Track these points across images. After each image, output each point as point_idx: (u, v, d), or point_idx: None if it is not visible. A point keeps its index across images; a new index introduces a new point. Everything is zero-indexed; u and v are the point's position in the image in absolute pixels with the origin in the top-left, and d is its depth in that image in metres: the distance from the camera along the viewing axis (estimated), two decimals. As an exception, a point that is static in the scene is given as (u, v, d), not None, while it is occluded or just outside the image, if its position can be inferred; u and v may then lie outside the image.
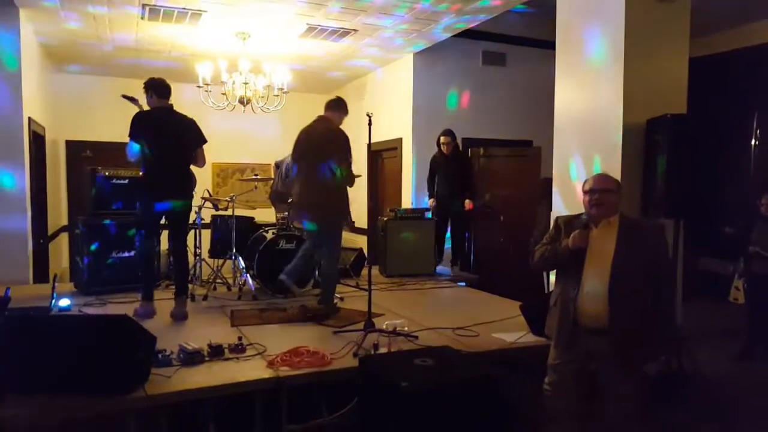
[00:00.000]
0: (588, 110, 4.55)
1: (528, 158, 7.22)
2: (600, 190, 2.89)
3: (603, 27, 4.39)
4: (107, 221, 5.41)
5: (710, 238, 6.35)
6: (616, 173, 4.22)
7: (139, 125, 4.40)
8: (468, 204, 6.51)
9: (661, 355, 3.02)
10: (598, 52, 4.44)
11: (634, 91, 4.24)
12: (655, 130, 4.15)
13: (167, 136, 4.42)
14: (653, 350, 2.89)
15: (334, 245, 4.79)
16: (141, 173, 4.61)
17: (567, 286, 2.91)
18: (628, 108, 4.23)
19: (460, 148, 6.94)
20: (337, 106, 4.83)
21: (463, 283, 6.24)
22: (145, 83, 4.54)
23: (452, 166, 6.55)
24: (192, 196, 4.79)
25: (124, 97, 4.85)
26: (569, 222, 3.02)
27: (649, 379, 3.69)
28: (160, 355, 3.22)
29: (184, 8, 5.48)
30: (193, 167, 4.70)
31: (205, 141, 4.60)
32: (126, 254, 5.43)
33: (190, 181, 4.77)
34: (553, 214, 4.59)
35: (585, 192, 2.95)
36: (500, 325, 4.24)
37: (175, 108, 4.59)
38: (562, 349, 2.94)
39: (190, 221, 5.60)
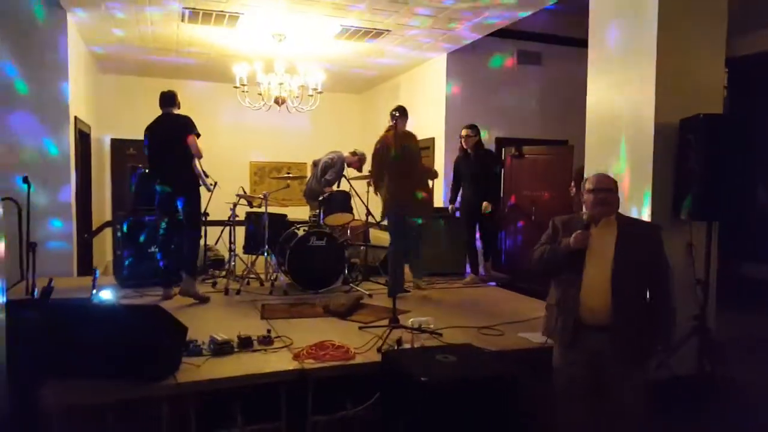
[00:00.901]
0: (620, 109, 4.49)
1: (559, 156, 7.16)
2: (604, 189, 2.95)
3: (636, 24, 4.33)
4: (145, 217, 5.61)
5: (754, 243, 6.16)
6: (648, 173, 4.19)
7: (145, 134, 5.12)
8: (485, 206, 6.11)
9: (660, 353, 3.04)
10: (631, 50, 4.38)
11: (666, 90, 4.17)
12: (687, 130, 4.09)
13: (161, 135, 5.03)
14: (652, 347, 2.93)
15: (391, 237, 5.25)
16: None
17: (568, 285, 2.95)
18: (660, 107, 4.16)
19: (490, 147, 6.88)
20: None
21: (494, 283, 6.24)
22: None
23: (476, 166, 6.19)
24: (197, 185, 5.12)
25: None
26: (566, 222, 3.07)
27: (674, 379, 3.69)
28: (191, 345, 3.36)
29: (222, 11, 5.65)
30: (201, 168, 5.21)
31: (191, 132, 4.99)
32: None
33: (190, 172, 5.06)
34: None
35: (588, 191, 2.99)
36: (527, 324, 4.25)
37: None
38: (564, 348, 2.98)
39: (226, 218, 5.85)
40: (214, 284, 5.67)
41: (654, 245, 2.93)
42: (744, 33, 6.33)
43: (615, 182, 3.04)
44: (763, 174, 6.38)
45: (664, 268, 2.92)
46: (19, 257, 5.30)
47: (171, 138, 4.97)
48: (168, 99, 5.11)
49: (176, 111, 5.13)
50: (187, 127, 4.99)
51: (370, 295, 5.19)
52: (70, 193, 6.07)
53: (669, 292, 2.93)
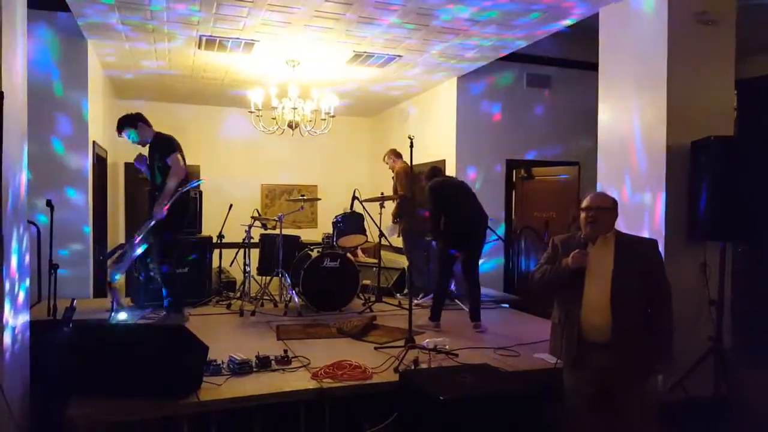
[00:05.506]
0: (631, 132, 4.56)
1: (567, 178, 7.21)
2: (595, 207, 2.99)
3: (646, 49, 4.41)
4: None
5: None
6: (660, 194, 4.24)
7: (181, 149, 5.18)
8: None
9: (660, 370, 3.07)
10: (641, 73, 4.46)
11: (677, 112, 4.24)
12: (699, 152, 4.14)
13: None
14: (653, 364, 2.97)
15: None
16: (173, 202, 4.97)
17: (569, 304, 2.99)
18: (671, 130, 4.23)
19: (496, 170, 7.14)
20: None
21: (507, 305, 6.25)
22: (134, 117, 5.40)
23: None
24: None
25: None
26: (565, 241, 3.11)
27: (690, 401, 3.69)
28: (211, 365, 3.40)
29: (238, 38, 5.77)
30: None
31: None
32: (180, 270, 5.66)
33: None
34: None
35: (581, 210, 3.04)
36: (542, 346, 4.24)
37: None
38: (571, 367, 3.01)
39: (240, 240, 5.94)
40: (228, 306, 5.71)
41: (653, 264, 2.95)
42: (753, 55, 6.41)
43: (611, 200, 3.07)
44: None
45: (664, 287, 2.94)
46: (38, 279, 5.37)
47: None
48: None
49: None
50: None
51: (383, 316, 5.21)
52: (88, 216, 6.16)
53: (669, 312, 2.94)
